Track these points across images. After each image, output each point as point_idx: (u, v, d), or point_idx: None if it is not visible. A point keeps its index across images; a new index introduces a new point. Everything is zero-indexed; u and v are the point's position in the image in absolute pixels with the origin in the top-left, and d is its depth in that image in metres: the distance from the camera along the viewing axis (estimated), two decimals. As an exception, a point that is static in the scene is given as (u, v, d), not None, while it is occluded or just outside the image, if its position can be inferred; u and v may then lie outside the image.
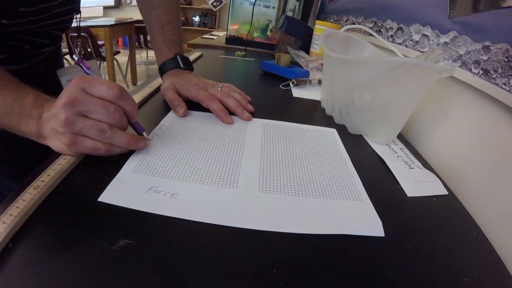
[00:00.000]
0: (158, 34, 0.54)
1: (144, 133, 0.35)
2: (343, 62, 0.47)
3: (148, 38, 3.69)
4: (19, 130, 0.30)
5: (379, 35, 0.67)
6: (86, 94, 0.29)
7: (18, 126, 0.30)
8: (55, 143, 0.30)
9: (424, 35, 0.55)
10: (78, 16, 0.56)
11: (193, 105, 0.47)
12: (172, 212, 0.26)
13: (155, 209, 0.26)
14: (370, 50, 0.57)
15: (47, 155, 0.31)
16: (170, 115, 0.45)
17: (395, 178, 0.36)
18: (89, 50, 2.56)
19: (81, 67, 0.33)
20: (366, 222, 0.28)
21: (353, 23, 1.01)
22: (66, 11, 0.51)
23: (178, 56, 0.54)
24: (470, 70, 0.42)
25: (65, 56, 2.56)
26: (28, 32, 0.47)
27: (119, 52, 3.18)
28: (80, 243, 0.22)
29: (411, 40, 0.60)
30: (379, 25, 0.78)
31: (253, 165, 0.34)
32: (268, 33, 1.31)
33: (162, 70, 0.54)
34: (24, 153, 0.52)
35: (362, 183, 0.34)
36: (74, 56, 0.34)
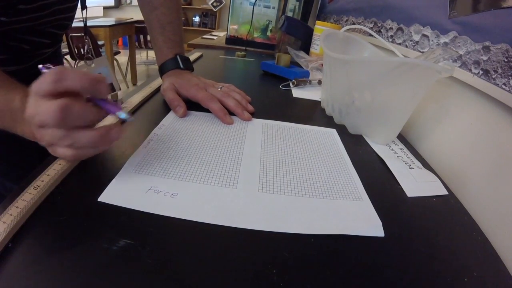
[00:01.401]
0: (158, 34, 0.54)
1: (119, 113, 0.27)
2: (343, 62, 0.47)
3: (148, 38, 3.70)
4: (17, 132, 0.30)
5: (379, 35, 0.67)
6: (38, 102, 0.25)
7: (14, 129, 0.30)
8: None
9: (424, 35, 0.55)
10: (84, 12, 0.55)
11: (193, 105, 0.47)
12: (172, 212, 0.26)
13: (155, 209, 0.26)
14: (370, 50, 0.57)
15: (47, 155, 0.30)
16: (170, 115, 0.45)
17: (395, 178, 0.36)
18: (89, 50, 2.56)
19: None
20: (366, 222, 0.28)
21: (353, 23, 1.01)
22: (67, 8, 0.50)
23: (178, 56, 0.54)
24: (470, 70, 0.42)
25: (65, 56, 2.57)
26: (27, 31, 0.46)
27: (119, 52, 3.19)
28: (80, 243, 0.22)
29: (411, 40, 0.60)
30: (379, 25, 0.78)
31: (253, 165, 0.34)
32: (268, 33, 1.31)
33: (162, 71, 0.54)
34: (24, 153, 0.52)
35: (362, 183, 0.34)
36: (39, 66, 0.29)
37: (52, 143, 0.26)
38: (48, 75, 0.24)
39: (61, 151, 0.26)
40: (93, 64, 0.40)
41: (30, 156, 0.50)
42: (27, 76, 0.35)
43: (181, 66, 0.53)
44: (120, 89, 0.43)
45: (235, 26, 1.31)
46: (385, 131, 0.45)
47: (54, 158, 0.30)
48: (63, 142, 0.26)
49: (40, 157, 0.31)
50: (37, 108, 0.25)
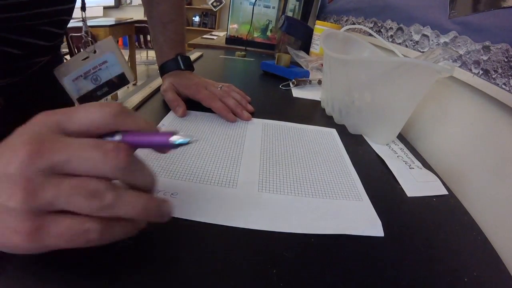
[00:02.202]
0: (159, 33, 0.53)
1: (175, 139, 0.19)
2: (343, 62, 0.47)
3: (148, 38, 3.71)
4: None
5: (379, 35, 0.67)
6: (60, 133, 0.17)
7: None
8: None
9: (424, 35, 0.55)
10: None
11: (193, 105, 0.47)
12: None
13: (155, 209, 0.26)
14: (370, 50, 0.57)
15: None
16: (170, 115, 0.45)
17: (395, 178, 0.36)
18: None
19: None
20: (366, 222, 0.28)
21: (353, 23, 1.01)
22: None
23: (179, 57, 0.53)
24: (470, 70, 0.42)
25: (65, 56, 2.57)
26: (18, 29, 0.37)
27: (119, 52, 3.18)
28: (80, 243, 0.22)
29: (411, 40, 0.60)
30: (379, 25, 0.78)
31: (253, 165, 0.34)
32: (268, 33, 1.31)
33: (163, 71, 0.54)
34: None
35: (362, 183, 0.34)
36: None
37: (56, 208, 0.16)
38: (104, 106, 0.18)
39: (72, 225, 0.17)
40: (95, 50, 0.32)
41: None
42: (19, 94, 0.27)
43: (182, 67, 0.53)
44: (133, 79, 0.37)
45: (235, 26, 1.31)
46: (385, 131, 0.45)
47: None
48: (96, 203, 0.16)
49: None
50: (61, 141, 0.16)
